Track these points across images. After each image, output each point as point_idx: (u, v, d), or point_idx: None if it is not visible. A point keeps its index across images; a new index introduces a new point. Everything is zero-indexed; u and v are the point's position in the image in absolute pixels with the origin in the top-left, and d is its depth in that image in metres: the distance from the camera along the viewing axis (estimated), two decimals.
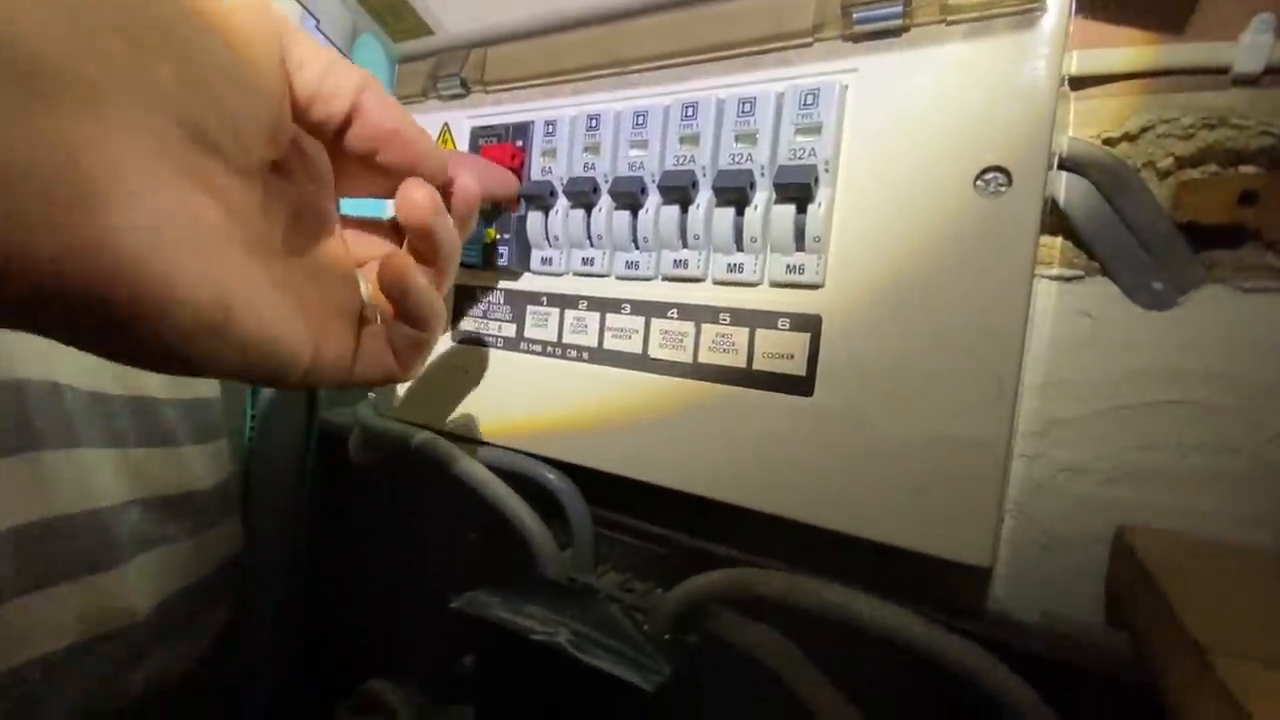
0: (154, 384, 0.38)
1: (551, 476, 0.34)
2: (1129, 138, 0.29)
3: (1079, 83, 0.29)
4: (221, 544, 0.43)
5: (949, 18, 0.24)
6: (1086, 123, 0.29)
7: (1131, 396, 0.28)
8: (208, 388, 0.43)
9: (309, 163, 0.22)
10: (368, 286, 0.24)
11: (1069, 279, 0.30)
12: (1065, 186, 0.29)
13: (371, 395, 0.44)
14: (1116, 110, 0.29)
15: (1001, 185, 0.23)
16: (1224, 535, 0.27)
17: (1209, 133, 0.27)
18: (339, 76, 0.19)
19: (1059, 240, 0.30)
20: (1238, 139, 0.27)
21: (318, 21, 0.38)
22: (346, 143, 0.21)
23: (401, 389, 0.41)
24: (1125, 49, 0.28)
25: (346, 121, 0.20)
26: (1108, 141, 0.29)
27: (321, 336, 0.20)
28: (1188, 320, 0.27)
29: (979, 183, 0.23)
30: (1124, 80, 0.28)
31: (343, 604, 0.49)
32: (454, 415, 0.38)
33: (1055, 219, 0.29)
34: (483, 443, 0.37)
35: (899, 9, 0.24)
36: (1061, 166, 0.28)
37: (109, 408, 0.35)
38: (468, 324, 0.38)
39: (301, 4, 0.38)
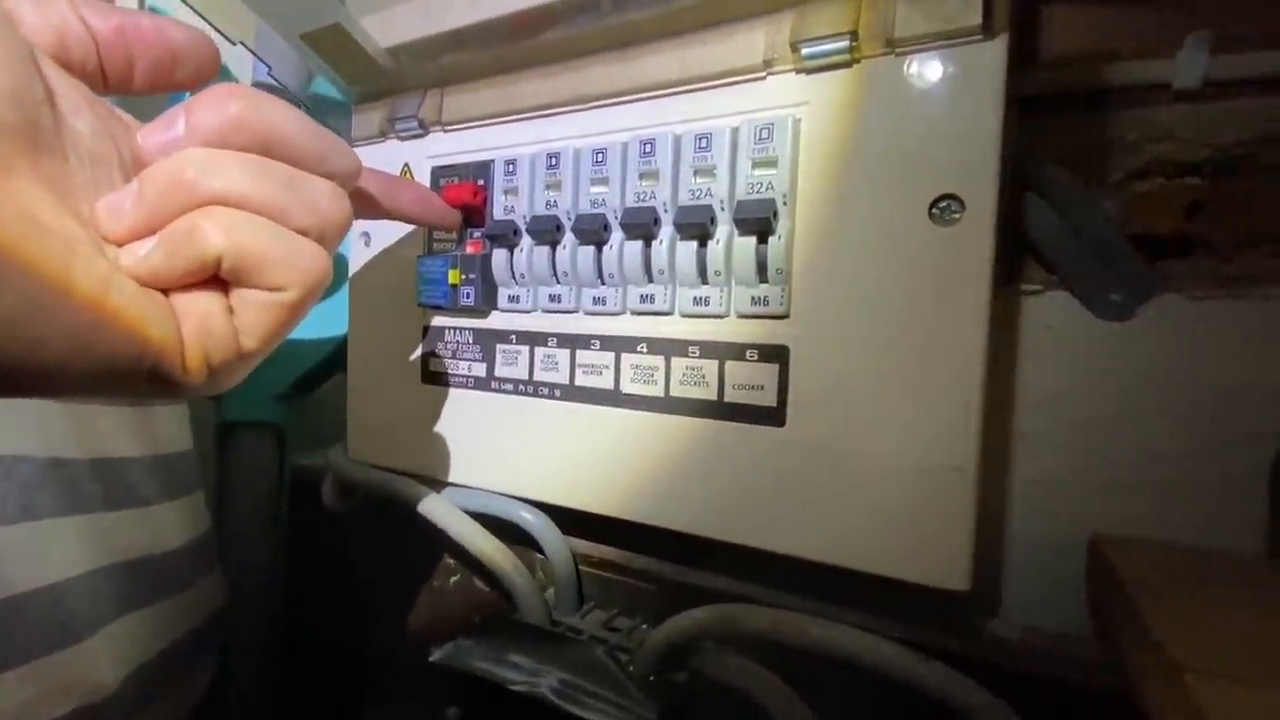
0: (119, 443, 0.37)
1: (529, 516, 0.34)
2: (1079, 152, 0.29)
3: (1027, 100, 0.30)
4: (200, 603, 0.41)
5: (896, 49, 0.24)
6: (1036, 139, 0.30)
7: (1096, 407, 0.29)
8: (178, 440, 0.42)
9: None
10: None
11: (1029, 293, 0.30)
12: (1021, 202, 0.29)
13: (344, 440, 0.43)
14: (1068, 125, 0.30)
15: (955, 213, 0.23)
16: (1194, 540, 0.27)
17: (1154, 146, 0.28)
18: (52, 5, 0.18)
19: (1018, 255, 0.30)
20: (1182, 152, 0.28)
21: (269, 68, 0.38)
22: (106, 71, 0.19)
23: (373, 432, 0.40)
24: (1072, 69, 0.29)
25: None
26: (1059, 157, 0.30)
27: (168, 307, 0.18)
28: (1146, 330, 0.28)
29: (934, 210, 0.24)
30: (1072, 97, 0.29)
31: (324, 656, 0.48)
32: (427, 458, 0.38)
33: (1014, 234, 0.30)
34: (457, 485, 0.37)
35: (846, 43, 0.24)
36: (1016, 183, 0.29)
37: (69, 472, 0.34)
38: (437, 365, 0.37)
39: (251, 51, 0.37)
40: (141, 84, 0.21)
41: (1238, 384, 0.26)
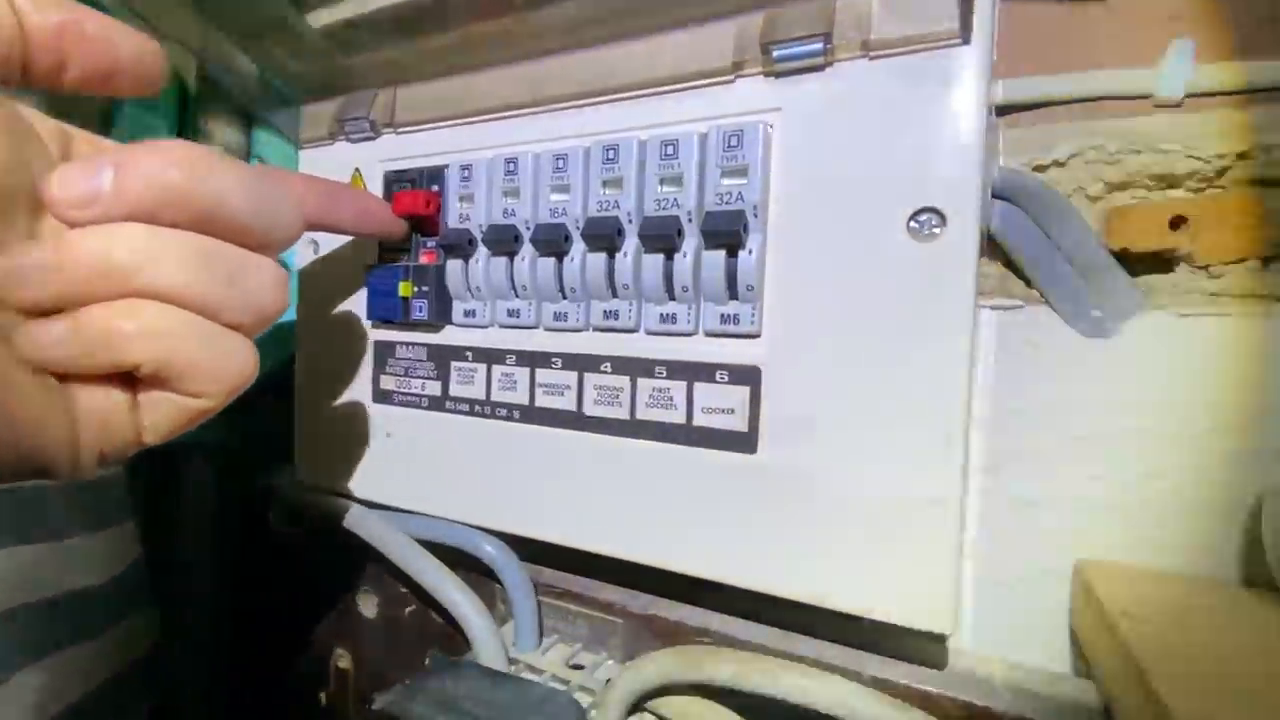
0: None
1: (488, 547, 0.32)
2: (1058, 164, 0.28)
3: (1006, 110, 0.29)
4: (128, 643, 0.38)
5: (871, 53, 0.23)
6: (1016, 150, 0.29)
7: (1080, 426, 0.28)
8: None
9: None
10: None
11: (1009, 308, 0.29)
12: (1000, 215, 0.28)
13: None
14: (1043, 137, 0.28)
15: (935, 227, 0.22)
16: (1180, 566, 0.26)
17: (1135, 158, 0.27)
18: None
19: (998, 269, 0.29)
20: (1164, 163, 0.27)
21: (210, 64, 0.35)
22: (30, 66, 0.17)
23: (323, 454, 0.38)
24: (1050, 76, 0.28)
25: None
26: (1038, 168, 0.29)
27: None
28: (1129, 347, 0.27)
29: (912, 224, 0.22)
30: (1050, 107, 0.28)
31: (272, 691, 0.45)
32: (379, 482, 0.35)
33: (992, 248, 0.28)
34: (411, 512, 0.34)
35: (820, 45, 0.23)
36: (995, 195, 0.28)
37: None
38: (388, 383, 0.35)
39: (192, 52, 0.34)
40: (71, 86, 0.18)
41: (1222, 402, 0.26)
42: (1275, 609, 0.22)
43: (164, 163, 0.16)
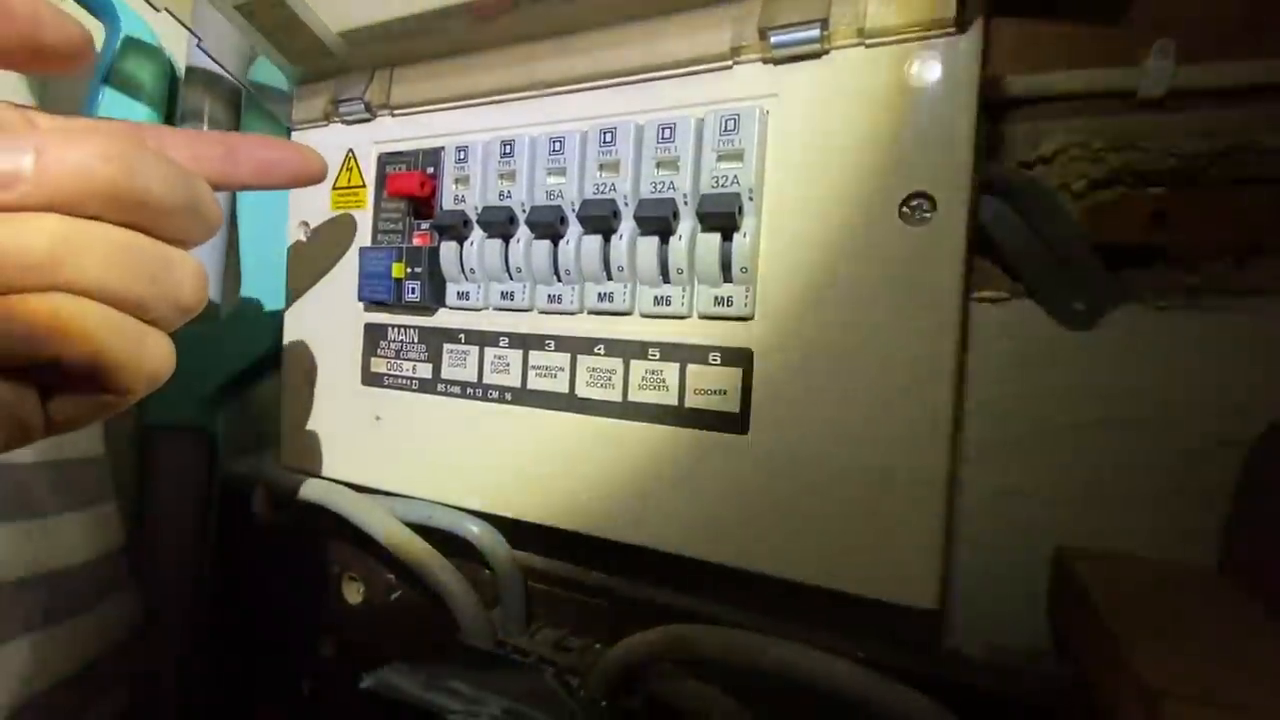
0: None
1: (475, 529, 0.32)
2: (1044, 160, 0.29)
3: (994, 106, 0.29)
4: (107, 626, 0.37)
5: (867, 41, 0.23)
6: (1003, 146, 0.29)
7: (1061, 417, 0.28)
8: (84, 445, 0.38)
9: None
10: None
11: (994, 301, 0.29)
12: (987, 209, 0.28)
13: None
14: (1030, 133, 0.29)
15: (926, 212, 0.22)
16: (1159, 552, 0.26)
17: (1118, 155, 0.28)
18: None
19: (983, 262, 0.29)
20: (1146, 161, 0.27)
21: (199, 40, 0.35)
22: None
23: (309, 437, 0.38)
24: (1037, 74, 0.28)
25: None
26: (1024, 164, 0.29)
27: None
28: (1109, 339, 0.28)
29: (904, 209, 0.23)
30: (1037, 104, 0.29)
31: (254, 679, 0.44)
32: (366, 466, 0.35)
33: (979, 241, 0.29)
34: (399, 495, 0.34)
35: (816, 32, 0.23)
36: (982, 189, 0.28)
37: None
38: (379, 365, 0.35)
39: (182, 23, 0.34)
40: None
41: (1200, 395, 0.26)
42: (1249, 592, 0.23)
43: (90, 154, 0.16)
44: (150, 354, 0.18)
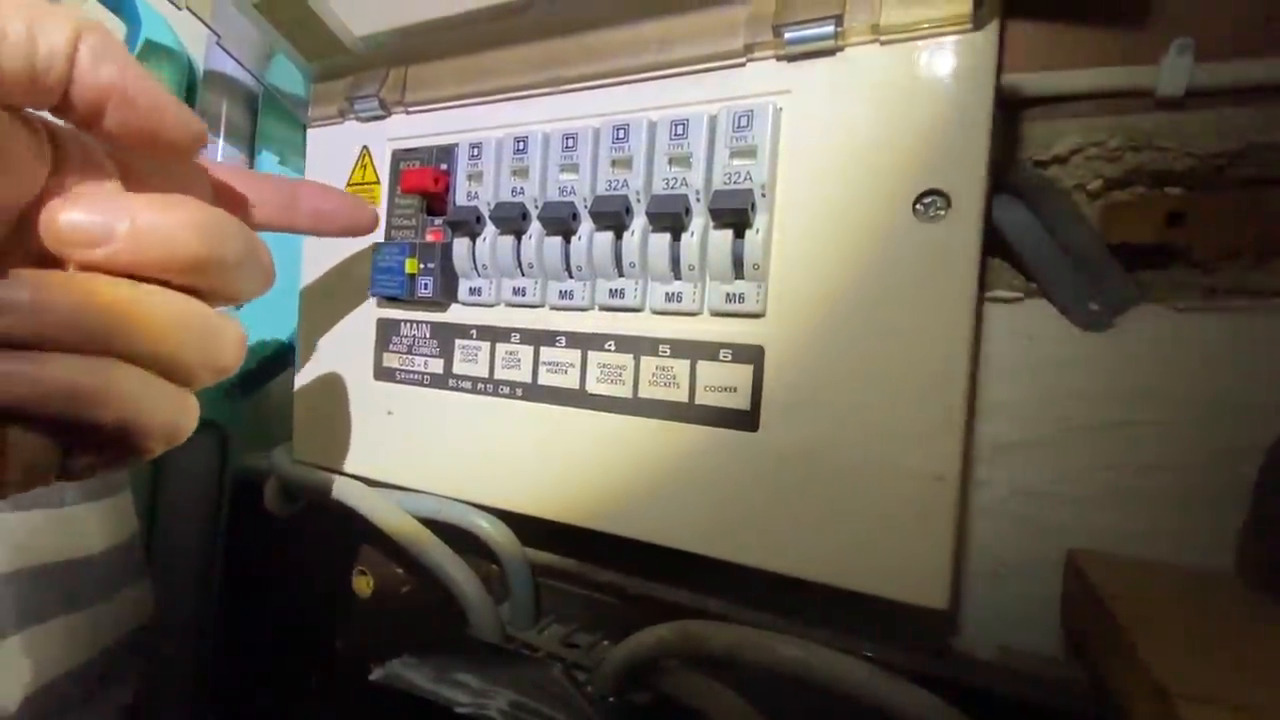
0: None
1: (485, 524, 0.32)
2: (1059, 160, 0.29)
3: (1009, 105, 0.29)
4: (121, 616, 0.38)
5: (882, 38, 0.23)
6: (1019, 146, 0.29)
7: (1075, 418, 0.28)
8: None
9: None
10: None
11: (1008, 301, 0.29)
12: (1002, 209, 0.28)
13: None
14: (1045, 133, 0.29)
15: (940, 209, 0.22)
16: (1174, 557, 0.26)
17: (1135, 155, 0.28)
18: (50, 36, 0.14)
19: (997, 262, 0.29)
20: (1163, 161, 0.27)
21: (218, 38, 0.35)
22: (68, 113, 0.16)
23: (321, 432, 0.38)
24: (1053, 72, 0.28)
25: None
26: (1039, 164, 0.29)
27: None
28: (1125, 340, 0.27)
29: (918, 206, 0.23)
30: (1053, 103, 0.29)
31: (261, 673, 0.45)
32: (377, 460, 0.35)
33: (993, 241, 0.29)
34: (410, 489, 0.34)
35: (831, 29, 0.23)
36: (997, 189, 0.28)
37: None
38: (391, 360, 0.35)
39: (201, 20, 0.35)
40: (103, 138, 0.17)
41: (1217, 397, 0.26)
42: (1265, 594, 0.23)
43: (179, 223, 0.16)
44: (184, 419, 0.17)
